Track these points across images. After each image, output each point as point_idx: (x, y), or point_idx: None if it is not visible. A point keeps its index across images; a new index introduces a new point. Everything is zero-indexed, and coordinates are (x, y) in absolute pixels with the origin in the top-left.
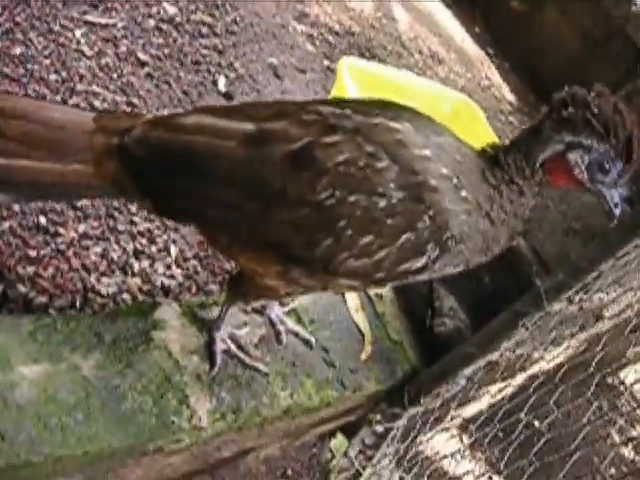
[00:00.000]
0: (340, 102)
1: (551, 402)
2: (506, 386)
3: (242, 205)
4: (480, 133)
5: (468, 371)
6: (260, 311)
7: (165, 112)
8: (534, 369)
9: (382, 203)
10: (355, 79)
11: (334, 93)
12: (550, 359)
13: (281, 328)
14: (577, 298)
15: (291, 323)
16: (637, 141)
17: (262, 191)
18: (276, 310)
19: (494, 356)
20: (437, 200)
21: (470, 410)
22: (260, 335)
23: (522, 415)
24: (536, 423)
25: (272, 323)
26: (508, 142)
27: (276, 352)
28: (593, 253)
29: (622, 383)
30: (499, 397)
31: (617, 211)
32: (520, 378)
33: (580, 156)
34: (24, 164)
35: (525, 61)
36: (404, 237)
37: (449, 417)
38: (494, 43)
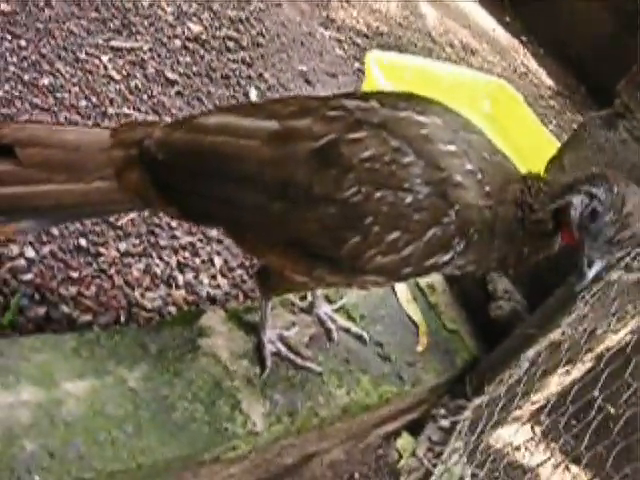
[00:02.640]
0: (366, 95)
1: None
2: (573, 367)
3: (268, 205)
4: (521, 115)
5: (530, 353)
6: (308, 310)
7: None
8: (601, 347)
9: (408, 199)
10: (384, 71)
11: (365, 88)
12: (617, 335)
13: (331, 325)
14: (635, 265)
15: (341, 320)
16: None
17: (288, 190)
18: (324, 308)
19: (556, 335)
20: (462, 195)
21: (538, 396)
22: (310, 334)
23: (596, 393)
24: (610, 407)
25: (321, 321)
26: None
27: (328, 350)
28: None
29: None
30: (568, 380)
31: (588, 276)
32: (587, 357)
33: (582, 200)
34: (46, 189)
35: (559, 44)
36: (431, 232)
37: (516, 404)
38: (526, 30)
